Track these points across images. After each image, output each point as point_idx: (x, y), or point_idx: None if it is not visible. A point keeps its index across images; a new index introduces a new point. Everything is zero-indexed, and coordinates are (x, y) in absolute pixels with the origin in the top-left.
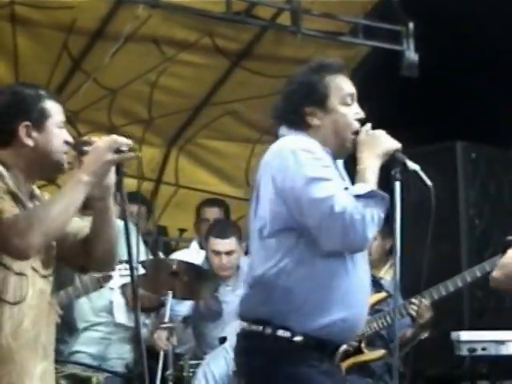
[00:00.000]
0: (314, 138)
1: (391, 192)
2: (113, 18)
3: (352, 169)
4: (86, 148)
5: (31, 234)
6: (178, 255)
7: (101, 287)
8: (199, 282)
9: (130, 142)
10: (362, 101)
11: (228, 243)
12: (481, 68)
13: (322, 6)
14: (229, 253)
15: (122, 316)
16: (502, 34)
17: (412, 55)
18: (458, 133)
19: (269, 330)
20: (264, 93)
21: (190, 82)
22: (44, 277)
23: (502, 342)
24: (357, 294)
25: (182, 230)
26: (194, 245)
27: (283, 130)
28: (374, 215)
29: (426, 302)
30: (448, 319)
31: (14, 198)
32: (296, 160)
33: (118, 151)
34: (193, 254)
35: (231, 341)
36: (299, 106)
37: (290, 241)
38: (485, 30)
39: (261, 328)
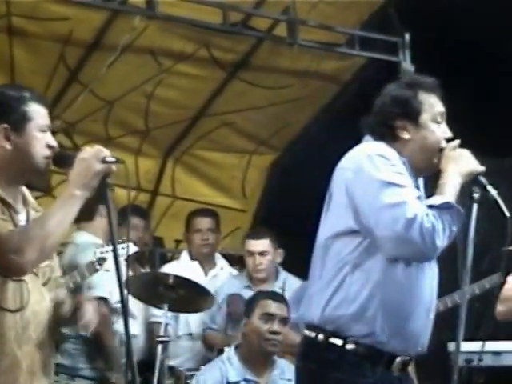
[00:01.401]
0: (401, 151)
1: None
2: (109, 29)
3: (432, 189)
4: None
5: (28, 250)
6: (168, 267)
7: (96, 270)
8: (195, 296)
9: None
10: (359, 112)
11: (261, 243)
12: (478, 77)
13: (318, 17)
14: (262, 253)
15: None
16: (499, 42)
17: (408, 66)
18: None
19: (321, 337)
20: (260, 104)
21: (187, 93)
22: (44, 284)
23: (498, 353)
24: (415, 305)
25: (178, 242)
26: (185, 256)
27: (367, 138)
28: (445, 226)
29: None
30: (445, 330)
31: (3, 202)
32: (371, 164)
33: (104, 161)
34: (183, 266)
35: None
36: (391, 119)
37: (352, 244)
38: (482, 39)
39: (314, 334)
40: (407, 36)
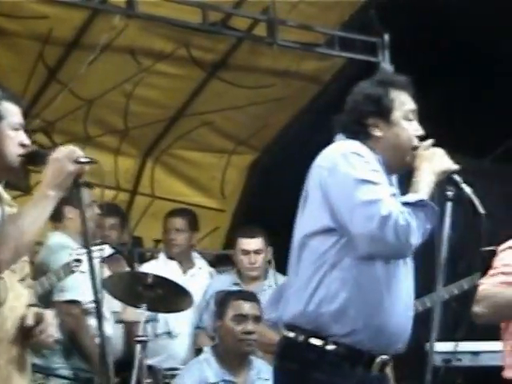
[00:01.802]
0: (373, 149)
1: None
2: (89, 28)
3: (407, 187)
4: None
5: (1, 249)
6: (146, 267)
7: (72, 272)
8: (174, 295)
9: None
10: (339, 112)
11: (255, 242)
12: (456, 78)
13: (298, 18)
14: (257, 252)
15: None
16: (478, 43)
17: (388, 66)
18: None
19: (301, 337)
20: (240, 104)
21: (166, 92)
22: (21, 280)
23: (476, 353)
24: (393, 303)
25: (157, 241)
26: (162, 256)
27: (340, 137)
28: (420, 224)
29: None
30: (423, 330)
31: None
32: (346, 162)
33: (77, 162)
34: (161, 265)
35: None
36: (363, 117)
37: (329, 242)
38: (461, 40)
39: (293, 334)
40: (386, 37)
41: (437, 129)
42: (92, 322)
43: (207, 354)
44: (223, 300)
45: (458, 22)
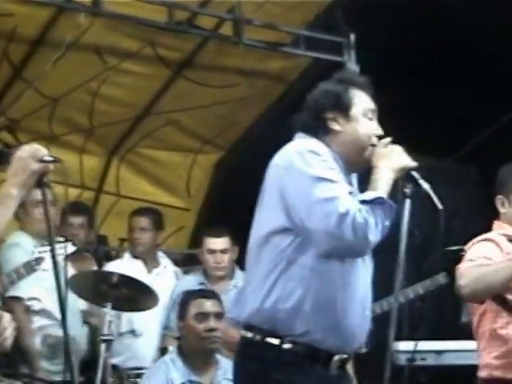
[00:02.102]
0: (332, 144)
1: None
2: (54, 26)
3: (365, 185)
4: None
5: None
6: (111, 266)
7: (34, 270)
8: (139, 294)
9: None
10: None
11: (222, 241)
12: (420, 78)
13: (264, 17)
14: (223, 251)
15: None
16: (445, 43)
17: (353, 66)
18: (396, 144)
19: (258, 337)
20: (206, 103)
21: (132, 91)
22: None
23: (441, 352)
24: (350, 302)
25: (122, 240)
26: (127, 255)
27: (299, 136)
28: (378, 221)
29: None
30: (387, 329)
31: None
32: (302, 160)
33: (41, 161)
34: (126, 264)
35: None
36: (322, 112)
37: (285, 242)
38: (426, 40)
39: (251, 334)
40: (352, 36)
41: (401, 129)
42: (36, 319)
43: (173, 354)
44: (184, 300)
45: (424, 22)
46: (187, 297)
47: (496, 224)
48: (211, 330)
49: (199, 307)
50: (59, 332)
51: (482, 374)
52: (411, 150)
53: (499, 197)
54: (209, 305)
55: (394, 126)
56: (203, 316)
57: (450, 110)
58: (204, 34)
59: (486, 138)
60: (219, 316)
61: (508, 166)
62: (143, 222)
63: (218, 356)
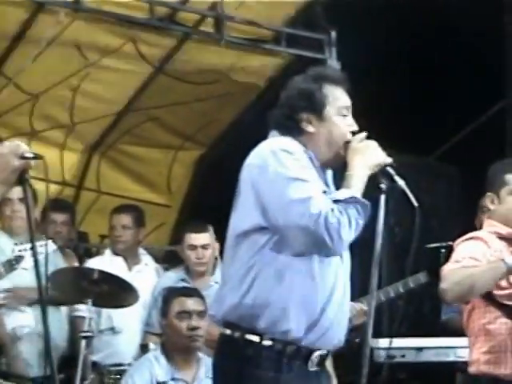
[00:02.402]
0: (307, 143)
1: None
2: (34, 22)
3: (340, 180)
4: None
5: None
6: (92, 262)
7: (14, 269)
8: (119, 291)
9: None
10: None
11: (203, 237)
12: (403, 76)
13: (245, 14)
14: (204, 246)
15: None
16: (424, 42)
17: (334, 63)
18: (377, 140)
19: (238, 334)
20: (187, 99)
21: (113, 87)
22: None
23: (420, 349)
24: (328, 299)
25: (103, 237)
26: (108, 252)
27: (273, 134)
28: (351, 220)
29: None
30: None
31: None
32: (275, 159)
33: (22, 157)
34: (107, 261)
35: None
36: (296, 112)
37: (261, 241)
38: (408, 39)
39: (230, 332)
40: (333, 34)
41: (381, 127)
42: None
43: (156, 351)
44: (166, 297)
45: (405, 20)
46: (169, 294)
47: (487, 222)
48: (193, 328)
49: (181, 305)
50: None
51: (471, 369)
52: (392, 148)
53: (489, 194)
54: (191, 303)
55: (375, 123)
56: (185, 314)
57: (431, 108)
58: (185, 31)
59: (466, 137)
60: (201, 314)
61: (498, 163)
62: (125, 219)
63: (201, 354)
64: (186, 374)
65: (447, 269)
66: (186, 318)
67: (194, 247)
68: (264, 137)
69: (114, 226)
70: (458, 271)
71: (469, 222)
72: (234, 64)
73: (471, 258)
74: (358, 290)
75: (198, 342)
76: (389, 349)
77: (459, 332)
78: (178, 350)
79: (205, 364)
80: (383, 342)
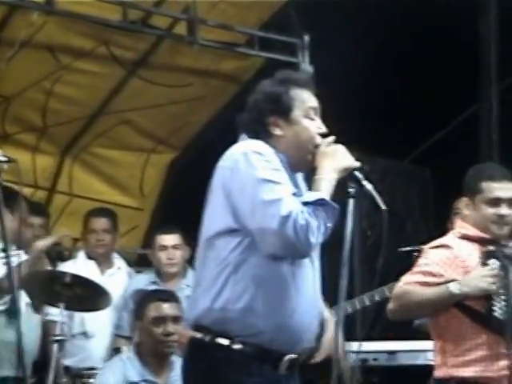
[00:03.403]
0: (276, 146)
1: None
2: (7, 24)
3: (310, 184)
4: None
5: None
6: (65, 266)
7: None
8: (92, 294)
9: None
10: None
11: (173, 237)
12: (375, 80)
13: (219, 17)
14: (175, 247)
15: None
16: (400, 44)
17: (307, 67)
18: (352, 144)
19: (208, 338)
20: (160, 102)
21: (86, 90)
22: None
23: (392, 353)
24: (298, 302)
25: (75, 240)
26: (82, 255)
27: (243, 137)
28: (320, 223)
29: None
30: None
31: None
32: (247, 162)
33: None
34: (80, 264)
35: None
36: (263, 116)
37: (233, 243)
38: (383, 41)
39: (201, 335)
40: (306, 37)
41: (356, 130)
42: None
43: (129, 352)
44: (142, 301)
45: (379, 23)
46: (145, 298)
47: (459, 223)
48: (168, 334)
49: (157, 311)
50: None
51: (438, 373)
52: (366, 152)
53: (465, 199)
54: (166, 308)
55: (349, 127)
56: (161, 320)
57: (406, 111)
58: (158, 34)
59: (439, 140)
60: (177, 319)
61: (476, 168)
62: (105, 223)
63: (174, 357)
64: (159, 377)
65: (398, 286)
66: (161, 323)
67: (164, 247)
68: (237, 140)
69: (94, 229)
70: (406, 295)
71: (442, 225)
72: (208, 67)
73: (430, 274)
74: (329, 292)
75: (172, 348)
76: (360, 352)
77: (432, 336)
78: (151, 353)
79: (177, 367)
80: (356, 346)
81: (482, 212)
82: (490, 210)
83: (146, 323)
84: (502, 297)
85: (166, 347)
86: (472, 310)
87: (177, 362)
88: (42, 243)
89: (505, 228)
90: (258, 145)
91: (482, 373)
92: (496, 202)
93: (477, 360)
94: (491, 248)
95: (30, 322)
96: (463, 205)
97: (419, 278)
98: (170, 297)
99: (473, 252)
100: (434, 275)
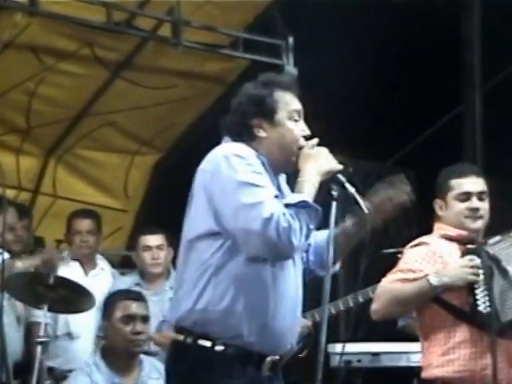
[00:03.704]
0: (259, 149)
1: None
2: None
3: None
4: None
5: None
6: None
7: None
8: (75, 296)
9: None
10: None
11: (157, 238)
12: (360, 81)
13: (203, 19)
14: (159, 247)
15: None
16: (383, 44)
17: (291, 69)
18: (335, 147)
19: (190, 339)
20: (144, 104)
21: (69, 91)
22: None
23: (376, 354)
24: (280, 304)
25: (59, 241)
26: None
27: (226, 140)
28: (302, 225)
29: (307, 322)
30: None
31: None
32: (228, 165)
33: None
34: (64, 266)
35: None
36: (247, 118)
37: (214, 246)
38: (369, 42)
39: (182, 337)
40: (290, 39)
41: (339, 132)
42: None
43: (96, 357)
44: (110, 300)
45: (364, 25)
46: (113, 297)
47: (436, 225)
48: (137, 333)
49: (126, 309)
50: None
51: (424, 374)
52: (349, 154)
53: (437, 200)
54: (135, 307)
55: (333, 129)
56: (130, 318)
57: (390, 113)
58: (142, 35)
59: (423, 141)
60: (145, 319)
61: (445, 170)
62: (90, 224)
63: (142, 356)
64: (127, 379)
65: (379, 286)
66: (130, 321)
67: (148, 248)
68: (221, 142)
69: (78, 230)
70: (387, 293)
71: (425, 227)
72: (192, 69)
73: (409, 271)
74: (311, 294)
75: (141, 347)
76: (343, 354)
77: (416, 337)
78: (119, 354)
79: (145, 366)
80: (340, 347)
81: (454, 208)
82: (462, 205)
83: (114, 322)
84: (485, 292)
85: (134, 346)
86: (455, 306)
87: (145, 361)
88: (22, 265)
89: (478, 221)
90: (240, 148)
91: (465, 372)
92: (466, 196)
93: (460, 358)
94: (472, 246)
95: (12, 323)
96: (437, 206)
97: (399, 276)
98: (138, 296)
99: (453, 251)
100: (413, 271)
